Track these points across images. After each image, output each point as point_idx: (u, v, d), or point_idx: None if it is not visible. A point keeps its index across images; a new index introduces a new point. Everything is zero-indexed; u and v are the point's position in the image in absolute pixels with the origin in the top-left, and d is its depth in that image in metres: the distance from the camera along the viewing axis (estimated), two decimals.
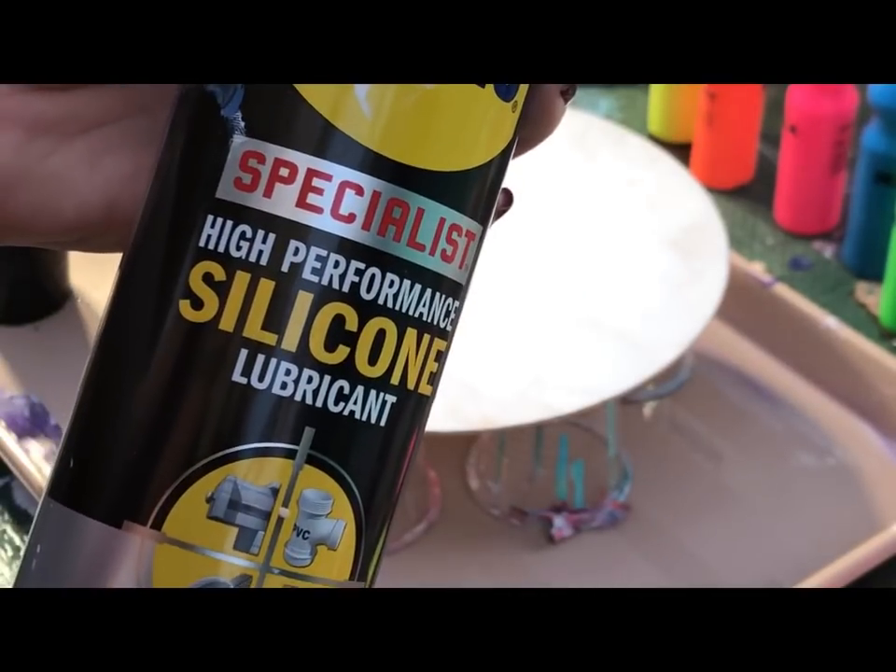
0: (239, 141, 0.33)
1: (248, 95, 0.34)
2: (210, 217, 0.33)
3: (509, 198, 0.37)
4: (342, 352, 0.33)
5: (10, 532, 0.77)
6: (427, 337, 0.35)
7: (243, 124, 0.33)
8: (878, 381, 0.84)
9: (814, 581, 0.71)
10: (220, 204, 0.33)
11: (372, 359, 0.34)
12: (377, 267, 0.34)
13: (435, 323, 0.35)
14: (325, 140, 0.33)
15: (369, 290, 0.34)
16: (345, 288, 0.33)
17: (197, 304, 0.33)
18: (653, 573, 0.76)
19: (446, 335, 0.36)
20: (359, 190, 0.33)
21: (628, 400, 0.83)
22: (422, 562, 0.76)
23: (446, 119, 0.34)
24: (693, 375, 0.87)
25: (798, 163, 0.96)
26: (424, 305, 0.35)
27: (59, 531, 0.34)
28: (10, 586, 0.70)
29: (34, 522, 0.35)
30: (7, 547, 0.75)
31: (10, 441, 0.79)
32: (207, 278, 0.33)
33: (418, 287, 0.34)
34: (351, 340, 0.33)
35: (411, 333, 0.34)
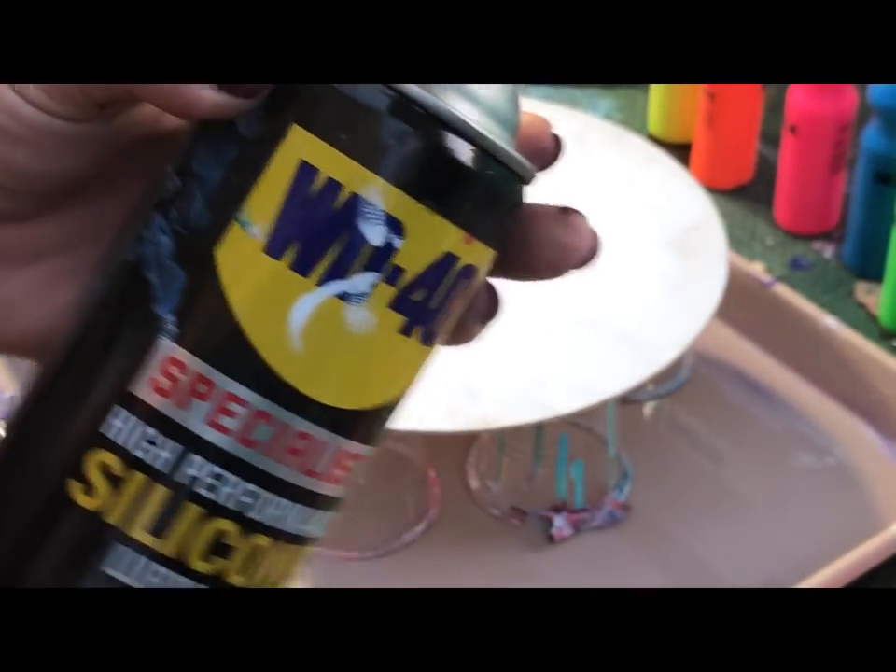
0: (165, 345, 0.33)
1: (184, 300, 0.34)
2: (118, 409, 0.34)
3: (495, 304, 0.38)
4: (215, 563, 0.34)
5: None
6: (297, 549, 0.36)
7: (173, 329, 0.34)
8: (878, 381, 0.84)
9: (814, 581, 0.71)
10: (132, 400, 0.34)
11: (242, 570, 0.34)
12: (271, 492, 0.34)
13: (310, 537, 0.36)
14: (250, 370, 0.33)
15: (258, 512, 0.34)
16: (235, 507, 0.34)
17: (88, 491, 0.34)
18: (653, 573, 0.76)
19: (316, 542, 0.36)
20: (270, 421, 0.34)
21: (628, 400, 0.83)
22: (422, 562, 0.76)
23: (370, 365, 0.35)
24: (692, 375, 0.87)
25: (798, 163, 0.96)
26: (304, 524, 0.35)
27: None
28: None
29: None
30: None
31: None
32: (104, 468, 0.34)
33: (304, 509, 0.35)
34: (227, 553, 0.34)
35: (285, 548, 0.35)
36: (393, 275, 0.34)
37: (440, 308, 0.35)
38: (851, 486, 0.81)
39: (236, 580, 0.34)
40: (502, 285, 0.39)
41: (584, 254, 0.37)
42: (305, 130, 0.33)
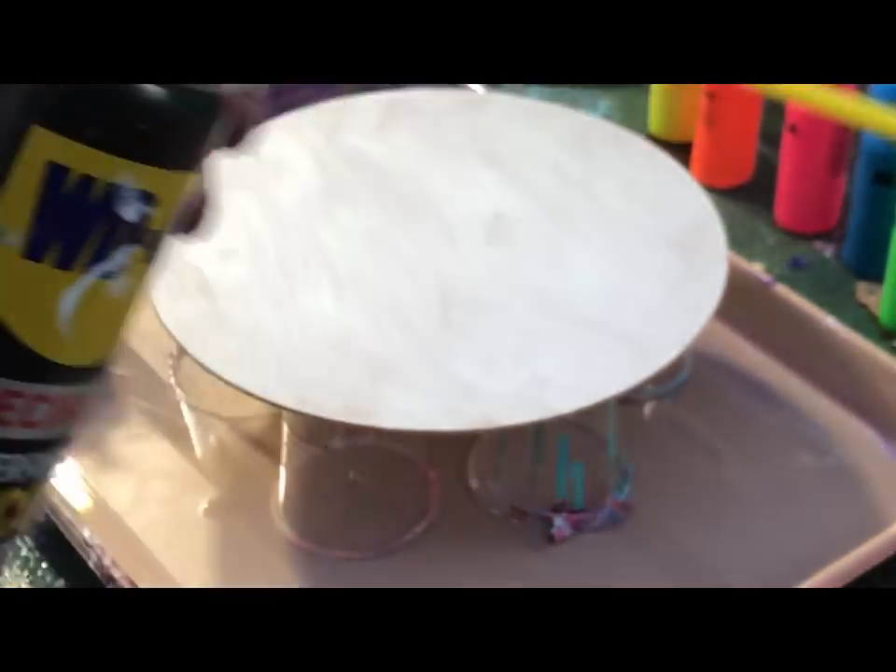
0: None
1: None
2: None
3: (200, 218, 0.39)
4: (10, 525, 0.36)
5: None
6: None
7: None
8: (878, 381, 0.84)
9: (814, 581, 0.70)
10: None
11: (30, 517, 0.36)
12: (49, 453, 0.36)
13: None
14: (25, 365, 0.35)
15: (41, 471, 0.36)
16: (22, 478, 0.36)
17: None
18: (654, 573, 0.76)
19: None
20: (47, 400, 0.35)
21: (628, 400, 0.83)
22: (422, 562, 0.76)
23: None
24: (692, 375, 0.87)
25: (798, 163, 0.96)
26: (65, 454, 0.38)
27: None
28: (10, 586, 0.70)
29: None
30: None
31: None
32: None
33: (67, 447, 0.37)
34: (18, 513, 0.36)
35: (50, 482, 0.37)
36: (149, 240, 0.35)
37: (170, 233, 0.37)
38: (851, 486, 0.81)
39: (23, 527, 0.36)
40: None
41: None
42: (48, 130, 0.33)
